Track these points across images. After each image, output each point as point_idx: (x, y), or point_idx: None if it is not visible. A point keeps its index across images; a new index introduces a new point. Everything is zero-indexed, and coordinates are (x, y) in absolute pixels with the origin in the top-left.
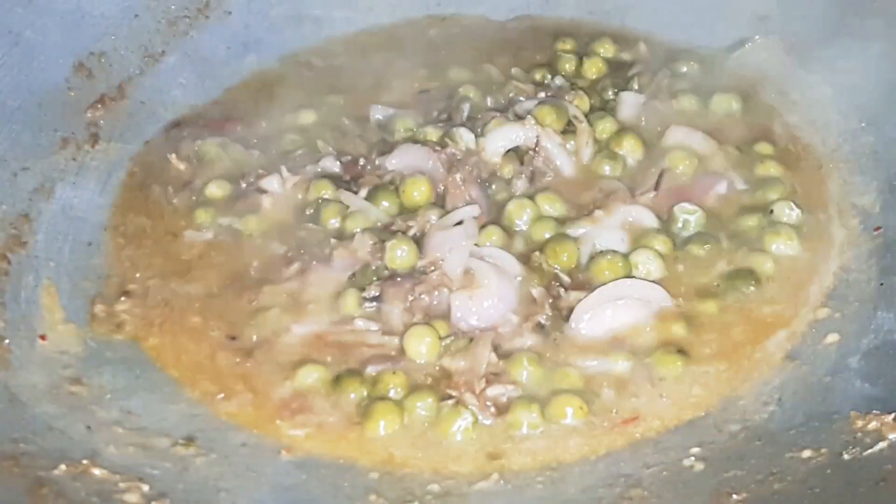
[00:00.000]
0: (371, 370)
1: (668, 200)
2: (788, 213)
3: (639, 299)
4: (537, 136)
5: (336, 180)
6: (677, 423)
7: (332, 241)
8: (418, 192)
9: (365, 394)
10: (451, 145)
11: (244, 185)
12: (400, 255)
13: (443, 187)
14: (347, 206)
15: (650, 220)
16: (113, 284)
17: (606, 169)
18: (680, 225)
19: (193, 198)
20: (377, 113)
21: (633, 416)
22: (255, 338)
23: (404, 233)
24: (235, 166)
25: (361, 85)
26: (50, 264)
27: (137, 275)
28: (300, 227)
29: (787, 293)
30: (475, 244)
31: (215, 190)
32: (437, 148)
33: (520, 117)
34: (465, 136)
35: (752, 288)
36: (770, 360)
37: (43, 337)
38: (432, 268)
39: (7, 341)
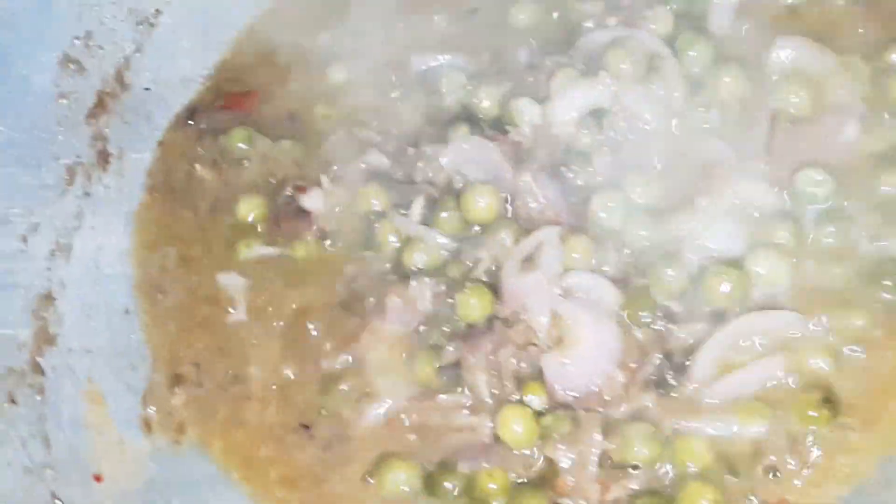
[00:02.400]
0: (464, 467)
1: (786, 160)
2: None
3: (768, 336)
4: (615, 94)
5: (385, 181)
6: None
7: (390, 279)
8: (483, 206)
9: (462, 500)
10: (514, 130)
11: (282, 202)
12: (474, 305)
13: (511, 194)
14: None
15: (767, 198)
16: (160, 369)
17: (703, 119)
18: (804, 200)
19: (227, 220)
20: (420, 63)
21: (777, 500)
22: (328, 428)
23: (472, 269)
24: (266, 167)
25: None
26: (86, 359)
27: (184, 351)
28: (354, 256)
29: None
30: (560, 266)
31: (250, 210)
32: (498, 136)
33: (589, 64)
34: (527, 111)
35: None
36: None
37: (98, 478)
38: (514, 317)
39: (59, 501)
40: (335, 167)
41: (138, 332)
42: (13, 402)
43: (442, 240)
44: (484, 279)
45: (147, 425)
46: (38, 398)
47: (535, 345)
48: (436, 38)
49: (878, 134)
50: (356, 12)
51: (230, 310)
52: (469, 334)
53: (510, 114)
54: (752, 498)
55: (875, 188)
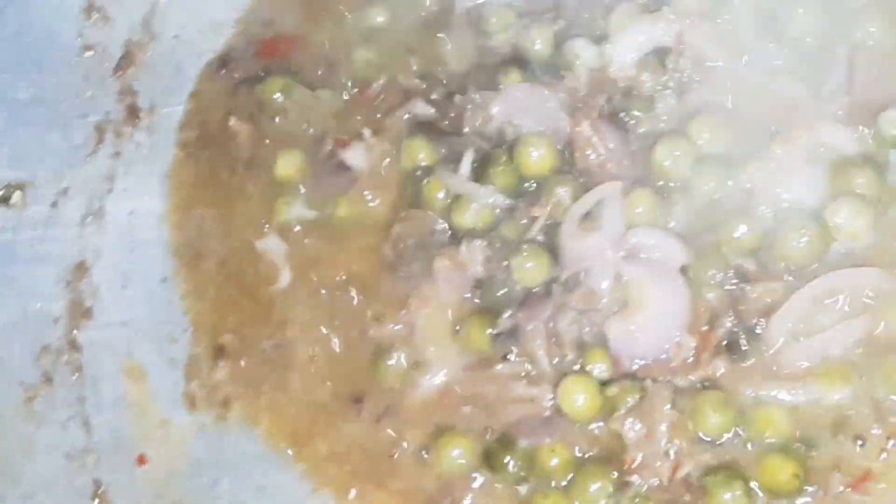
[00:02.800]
0: (525, 443)
1: (868, 100)
2: None
3: (851, 295)
4: (679, 31)
5: (431, 132)
6: None
7: (439, 240)
8: (538, 159)
9: (524, 476)
10: (569, 75)
11: (323, 158)
12: (531, 268)
13: (568, 145)
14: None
15: (847, 144)
16: (202, 342)
17: (776, 56)
18: (888, 144)
19: (265, 177)
20: (466, 0)
21: (862, 475)
22: (380, 400)
23: (528, 229)
24: (304, 118)
25: None
26: (124, 332)
27: (226, 320)
28: (401, 215)
29: None
30: (623, 225)
31: (288, 167)
32: (552, 81)
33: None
34: (584, 53)
35: None
36: None
37: (142, 459)
38: (574, 281)
39: (103, 487)
40: (377, 118)
41: (178, 301)
42: (49, 381)
43: (494, 197)
44: (541, 239)
45: (191, 402)
46: (76, 377)
47: (597, 310)
48: None
49: None
50: None
51: (272, 276)
52: (526, 299)
53: (565, 57)
54: (836, 472)
55: None
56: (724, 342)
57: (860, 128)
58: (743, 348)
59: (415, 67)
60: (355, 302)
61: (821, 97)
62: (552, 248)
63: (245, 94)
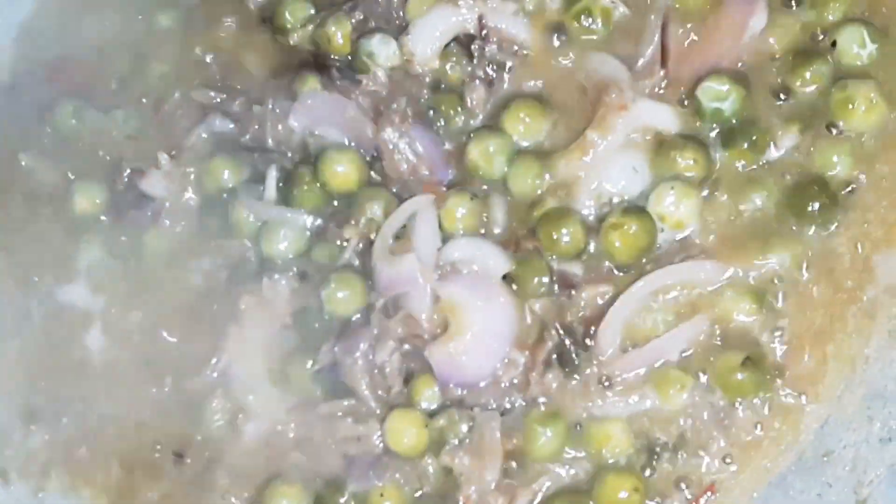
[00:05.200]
0: (355, 485)
1: (686, 71)
2: (858, 48)
3: (681, 292)
4: (480, 17)
5: (233, 151)
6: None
7: (248, 273)
8: (343, 174)
9: None
10: (368, 77)
11: (122, 188)
12: (343, 298)
13: (374, 152)
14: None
15: (668, 121)
16: (12, 406)
17: (587, 31)
18: (709, 117)
19: (65, 217)
20: None
21: (706, 486)
22: (203, 453)
23: (339, 249)
24: (101, 144)
25: None
26: None
27: (38, 381)
28: (211, 245)
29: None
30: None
31: (87, 202)
32: (352, 85)
33: None
34: (382, 51)
35: (828, 220)
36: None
37: None
38: (392, 306)
39: None
40: (175, 139)
41: None
42: None
43: (304, 219)
44: (356, 263)
45: (3, 475)
46: None
47: (418, 336)
48: None
49: (786, 23)
50: None
51: (81, 330)
52: (343, 331)
53: (360, 57)
54: (679, 485)
55: (789, 91)
56: (554, 356)
57: (680, 103)
58: (574, 361)
59: (211, 76)
60: (170, 351)
61: (637, 74)
62: (368, 272)
63: (35, 125)
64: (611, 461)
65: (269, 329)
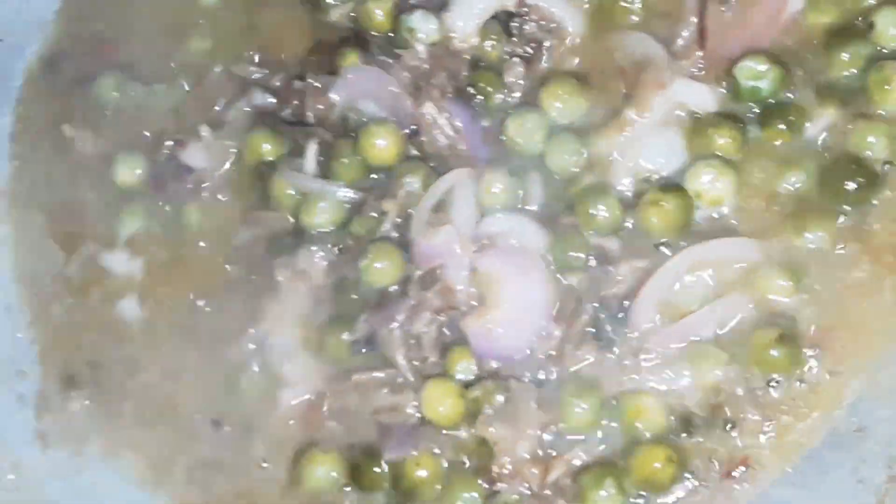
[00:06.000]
0: (390, 454)
1: (724, 51)
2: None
3: (718, 269)
4: None
5: (274, 125)
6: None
7: (286, 245)
8: (383, 148)
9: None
10: (408, 52)
11: (161, 161)
12: (381, 268)
13: (414, 127)
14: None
15: (705, 100)
16: (52, 373)
17: (626, 10)
18: (746, 96)
19: (107, 186)
20: None
21: (739, 460)
22: (240, 421)
23: (381, 223)
24: (142, 118)
25: None
26: None
27: (76, 348)
28: (251, 217)
29: None
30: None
31: (129, 174)
32: (392, 60)
33: None
34: (422, 26)
35: (865, 199)
36: None
37: None
38: (430, 278)
39: None
40: (217, 111)
41: (23, 331)
42: None
43: (343, 192)
44: (394, 235)
45: (43, 439)
46: None
47: (455, 308)
48: None
49: (825, 4)
50: None
51: (120, 296)
52: (380, 302)
53: (401, 32)
54: (713, 460)
55: (830, 71)
56: (590, 330)
57: (717, 83)
58: (609, 335)
59: (252, 52)
60: (207, 320)
61: (674, 52)
62: (406, 244)
63: (78, 96)
64: (645, 434)
65: (306, 300)
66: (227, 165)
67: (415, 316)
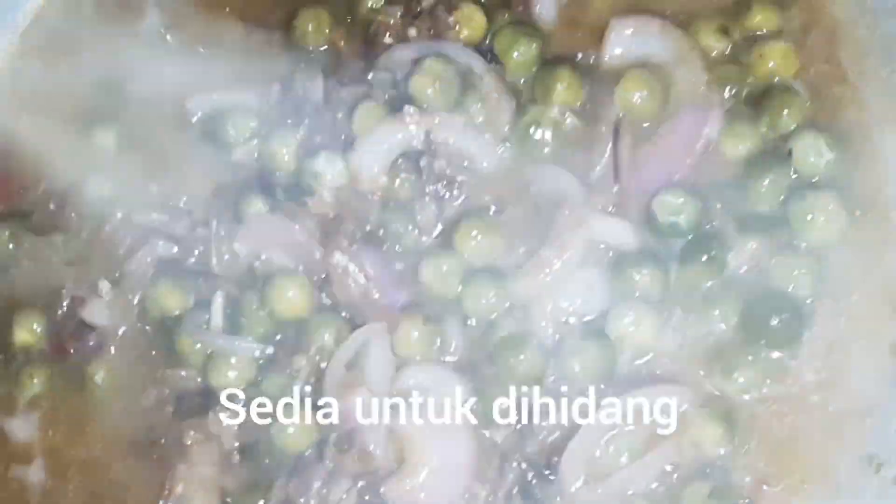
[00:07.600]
0: None
1: (641, 183)
2: (815, 157)
3: (645, 416)
4: (427, 132)
5: (178, 275)
6: None
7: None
8: (292, 300)
9: None
10: (314, 200)
11: (61, 315)
12: (294, 433)
13: (324, 275)
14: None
15: (624, 237)
16: None
17: (538, 143)
18: (667, 231)
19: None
20: (198, 107)
21: None
22: None
23: (292, 382)
24: (39, 272)
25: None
26: None
27: None
28: (159, 376)
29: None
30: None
31: (27, 333)
32: (298, 207)
33: (393, 94)
34: (328, 170)
35: (790, 338)
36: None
37: None
38: (346, 441)
39: None
40: (116, 265)
41: None
42: None
43: (252, 348)
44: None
45: None
46: None
47: (373, 472)
48: (217, 73)
49: (742, 132)
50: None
51: (24, 466)
52: (295, 467)
53: (307, 178)
54: None
55: (748, 202)
56: (516, 489)
57: (636, 217)
58: (537, 496)
59: (153, 198)
60: (115, 488)
61: (590, 187)
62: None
63: None
64: None
65: (218, 465)
66: (131, 322)
67: (332, 482)
